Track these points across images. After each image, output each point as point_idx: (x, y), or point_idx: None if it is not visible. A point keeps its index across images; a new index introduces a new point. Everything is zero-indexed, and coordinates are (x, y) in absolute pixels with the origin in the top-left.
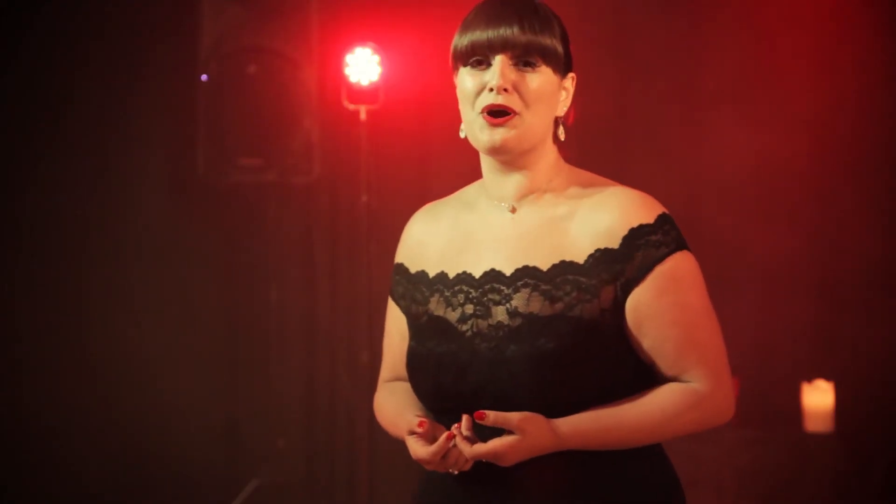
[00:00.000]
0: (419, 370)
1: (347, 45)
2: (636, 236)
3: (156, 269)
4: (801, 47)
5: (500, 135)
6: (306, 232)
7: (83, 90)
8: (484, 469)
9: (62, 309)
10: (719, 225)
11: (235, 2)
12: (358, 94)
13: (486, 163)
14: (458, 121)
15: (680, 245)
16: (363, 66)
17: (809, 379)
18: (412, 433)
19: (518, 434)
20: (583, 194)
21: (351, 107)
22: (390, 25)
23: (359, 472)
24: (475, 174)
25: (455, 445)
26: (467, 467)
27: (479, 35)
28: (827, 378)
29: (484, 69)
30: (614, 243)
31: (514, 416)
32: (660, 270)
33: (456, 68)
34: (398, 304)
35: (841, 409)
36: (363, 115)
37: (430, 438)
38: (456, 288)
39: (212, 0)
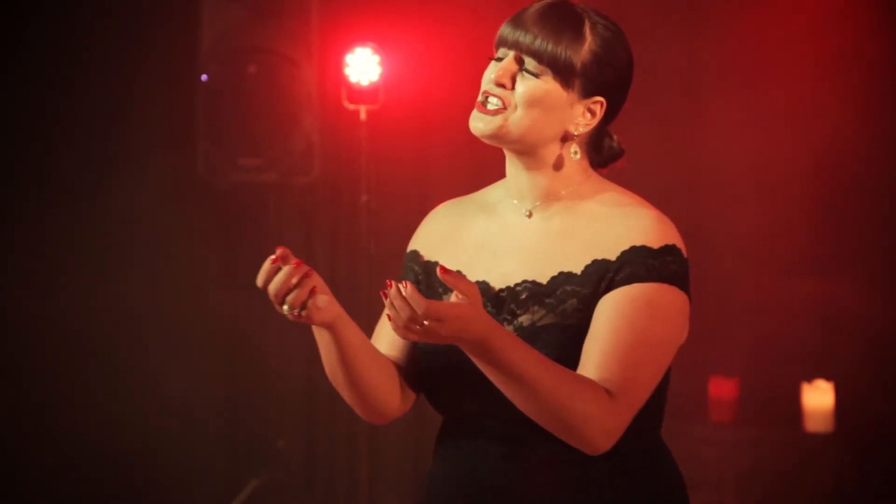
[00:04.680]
0: (433, 375)
1: (347, 45)
2: (635, 254)
3: (155, 269)
4: (801, 41)
5: (478, 121)
6: (306, 232)
7: (83, 90)
8: (485, 471)
9: (61, 308)
10: (719, 221)
11: (235, 2)
12: (358, 94)
13: (506, 157)
14: (458, 120)
15: (675, 280)
16: (363, 66)
17: (809, 379)
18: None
19: (470, 298)
20: (601, 209)
21: (351, 107)
22: (390, 25)
23: (359, 472)
24: (475, 174)
25: (299, 282)
26: (301, 317)
27: (504, 31)
28: (827, 378)
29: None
30: (612, 256)
31: (468, 280)
32: (640, 288)
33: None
34: None
35: (841, 409)
36: (363, 115)
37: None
38: None
39: (212, 0)
